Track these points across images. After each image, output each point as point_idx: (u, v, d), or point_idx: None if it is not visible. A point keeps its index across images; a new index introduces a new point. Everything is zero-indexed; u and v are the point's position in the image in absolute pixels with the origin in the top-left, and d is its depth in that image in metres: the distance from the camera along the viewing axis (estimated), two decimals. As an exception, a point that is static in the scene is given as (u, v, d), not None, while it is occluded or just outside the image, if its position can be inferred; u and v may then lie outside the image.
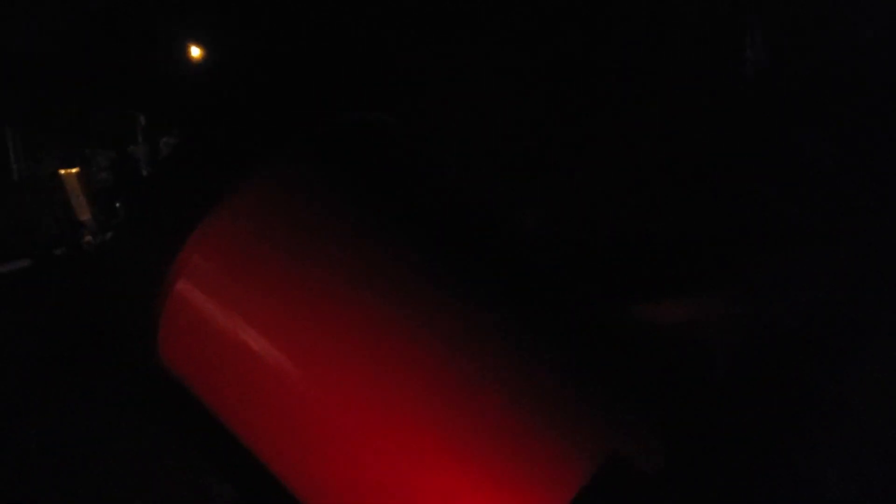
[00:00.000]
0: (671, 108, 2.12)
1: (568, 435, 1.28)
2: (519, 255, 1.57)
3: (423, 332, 1.34)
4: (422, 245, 1.43)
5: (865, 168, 1.96)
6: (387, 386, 1.31)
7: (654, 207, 2.09)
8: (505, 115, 2.07)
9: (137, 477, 1.89)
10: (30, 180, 2.00)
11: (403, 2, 2.00)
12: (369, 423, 1.32)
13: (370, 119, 1.54)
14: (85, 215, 2.02)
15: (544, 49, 2.09)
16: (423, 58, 2.01)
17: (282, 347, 1.36)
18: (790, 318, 1.77)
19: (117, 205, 2.01)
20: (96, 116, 2.04)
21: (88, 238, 2.02)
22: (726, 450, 1.33)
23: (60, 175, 2.01)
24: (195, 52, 2.10)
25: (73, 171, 2.01)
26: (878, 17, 1.97)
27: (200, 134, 1.48)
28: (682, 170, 2.11)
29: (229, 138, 1.45)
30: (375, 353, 1.33)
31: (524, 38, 2.09)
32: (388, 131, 1.56)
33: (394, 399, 1.31)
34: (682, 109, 2.13)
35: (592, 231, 2.04)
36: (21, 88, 1.98)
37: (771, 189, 2.01)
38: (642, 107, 2.13)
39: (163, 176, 1.52)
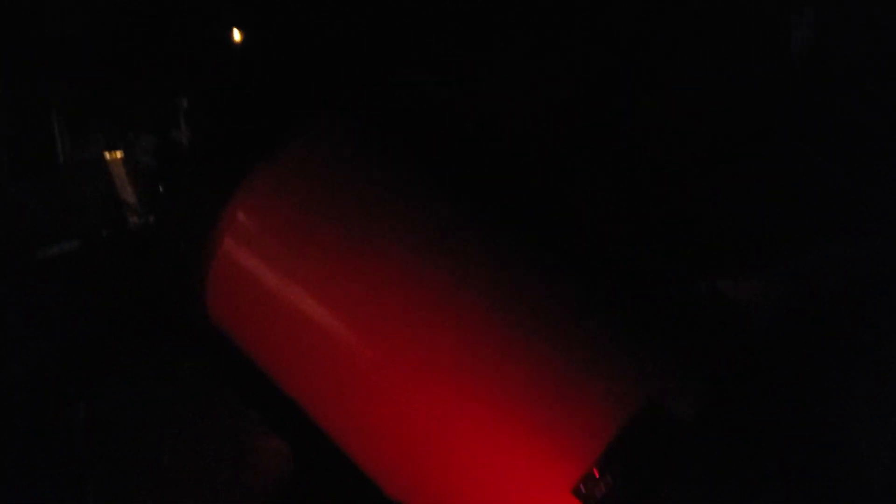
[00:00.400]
0: (719, 87, 2.12)
1: (607, 383, 1.30)
2: (565, 212, 1.58)
3: (470, 284, 1.36)
4: (467, 202, 1.44)
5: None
6: (432, 335, 1.33)
7: (699, 186, 2.09)
8: (555, 90, 2.07)
9: (185, 448, 1.92)
10: (75, 164, 2.04)
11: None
12: (414, 371, 1.34)
13: (412, 81, 1.56)
14: (130, 198, 2.06)
15: (594, 23, 2.10)
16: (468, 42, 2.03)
17: (324, 301, 1.39)
18: (831, 282, 1.76)
19: (160, 188, 2.05)
20: (140, 101, 2.08)
21: (134, 219, 2.06)
22: (761, 405, 1.34)
23: (105, 159, 2.06)
24: (237, 36, 2.13)
25: (118, 154, 2.06)
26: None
27: (242, 98, 1.50)
28: (730, 149, 2.10)
29: (271, 100, 1.48)
30: (418, 303, 1.35)
31: (573, 15, 2.10)
32: (430, 94, 1.58)
33: (439, 348, 1.33)
34: (730, 89, 2.13)
35: (639, 208, 2.05)
36: (66, 73, 2.03)
37: (820, 167, 2.00)
38: (689, 86, 2.13)
39: (205, 140, 1.55)
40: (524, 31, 2.08)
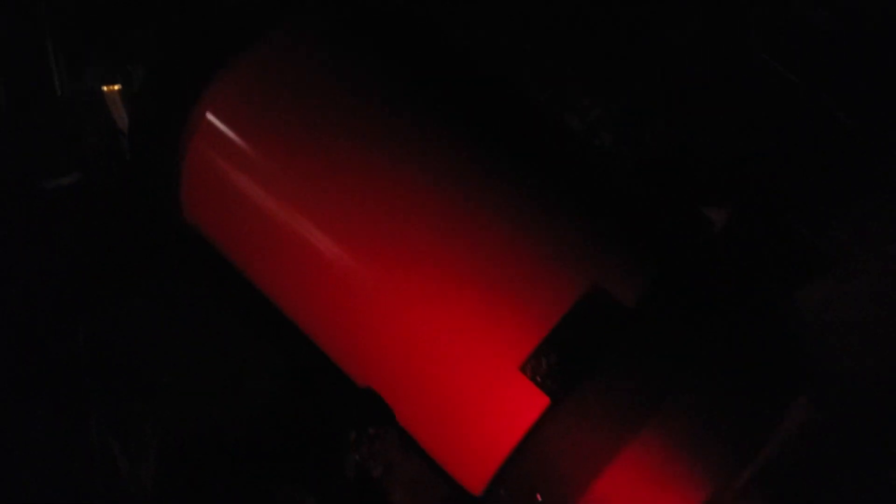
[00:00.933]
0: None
1: (557, 268, 1.32)
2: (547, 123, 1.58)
3: (431, 172, 1.38)
4: (443, 105, 1.46)
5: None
6: (389, 221, 1.36)
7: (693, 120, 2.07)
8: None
9: (182, 369, 1.96)
10: (73, 96, 2.08)
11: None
12: (377, 263, 1.37)
13: None
14: (127, 129, 2.10)
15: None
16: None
17: (290, 198, 1.42)
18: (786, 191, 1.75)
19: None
20: (136, 33, 2.11)
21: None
22: (709, 293, 1.35)
23: (103, 92, 2.10)
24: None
25: (115, 87, 2.10)
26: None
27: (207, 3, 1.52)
28: (730, 83, 2.09)
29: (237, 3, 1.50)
30: (378, 188, 1.37)
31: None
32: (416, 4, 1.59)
33: (400, 240, 1.36)
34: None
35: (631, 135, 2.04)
36: (63, 6, 2.06)
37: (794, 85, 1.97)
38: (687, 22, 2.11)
39: (175, 41, 1.57)
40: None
